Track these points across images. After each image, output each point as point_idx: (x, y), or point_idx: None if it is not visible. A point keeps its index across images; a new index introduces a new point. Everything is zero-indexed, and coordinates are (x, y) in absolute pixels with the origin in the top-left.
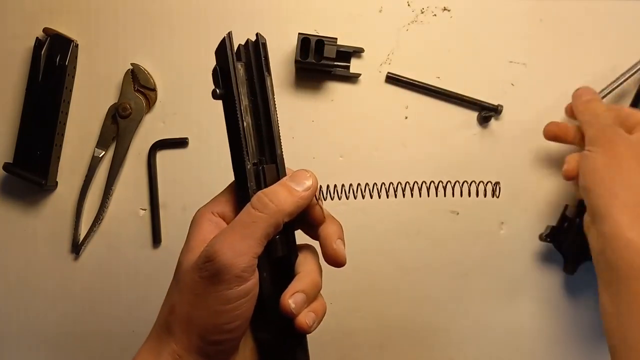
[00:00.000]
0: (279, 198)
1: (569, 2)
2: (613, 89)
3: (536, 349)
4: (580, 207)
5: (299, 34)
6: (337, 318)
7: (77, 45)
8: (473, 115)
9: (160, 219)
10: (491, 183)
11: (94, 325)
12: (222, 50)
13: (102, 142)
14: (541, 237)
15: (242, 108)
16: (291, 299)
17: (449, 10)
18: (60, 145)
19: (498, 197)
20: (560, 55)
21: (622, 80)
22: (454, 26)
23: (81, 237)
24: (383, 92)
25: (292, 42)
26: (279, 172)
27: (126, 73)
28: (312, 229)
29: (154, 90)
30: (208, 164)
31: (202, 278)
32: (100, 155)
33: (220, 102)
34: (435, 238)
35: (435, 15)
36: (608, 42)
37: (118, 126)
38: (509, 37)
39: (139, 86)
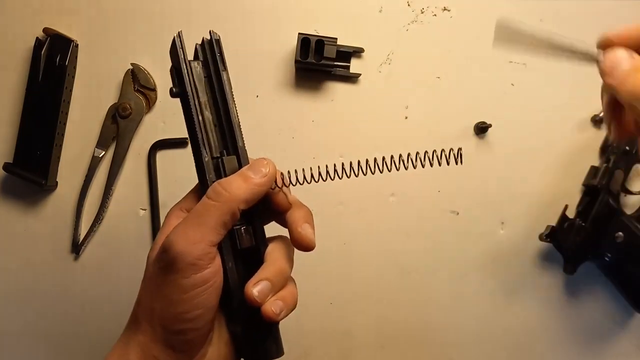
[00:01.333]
0: (232, 186)
1: (569, 2)
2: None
3: (536, 349)
4: (580, 207)
5: (299, 34)
6: (337, 318)
7: (77, 45)
8: None
9: (160, 219)
10: (453, 150)
11: (94, 325)
12: (174, 50)
13: (102, 142)
14: (541, 237)
15: (198, 104)
16: (255, 287)
17: (449, 10)
18: (60, 145)
19: (462, 163)
20: None
21: None
22: (454, 26)
23: (81, 237)
24: (383, 92)
25: (292, 42)
26: (241, 163)
27: (126, 73)
28: (280, 217)
29: (154, 90)
30: None
31: (160, 269)
32: (100, 155)
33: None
34: (435, 238)
35: (435, 15)
36: None
37: (118, 126)
38: None
39: (139, 86)
